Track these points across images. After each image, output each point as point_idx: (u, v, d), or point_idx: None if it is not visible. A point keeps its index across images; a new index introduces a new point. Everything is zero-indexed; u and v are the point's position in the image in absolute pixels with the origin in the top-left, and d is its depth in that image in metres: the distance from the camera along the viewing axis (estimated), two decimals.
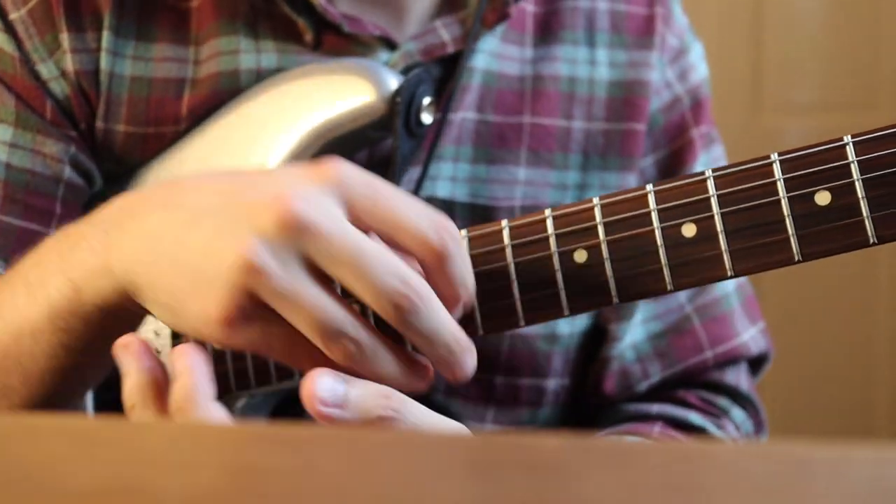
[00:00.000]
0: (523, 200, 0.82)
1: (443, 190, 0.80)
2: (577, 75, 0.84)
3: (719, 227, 0.54)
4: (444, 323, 0.52)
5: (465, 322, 0.64)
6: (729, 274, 0.54)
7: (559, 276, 0.59)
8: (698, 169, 0.86)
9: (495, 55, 0.82)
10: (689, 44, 0.90)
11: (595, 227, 0.58)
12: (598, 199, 0.58)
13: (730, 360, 0.84)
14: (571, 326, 0.84)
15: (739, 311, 0.86)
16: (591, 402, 0.86)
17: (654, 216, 0.56)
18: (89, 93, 0.79)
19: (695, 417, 0.83)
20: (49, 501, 0.29)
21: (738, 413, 0.85)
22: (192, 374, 0.52)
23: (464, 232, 0.65)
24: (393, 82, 0.75)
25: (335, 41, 0.79)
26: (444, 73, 0.81)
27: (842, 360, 2.15)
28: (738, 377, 0.86)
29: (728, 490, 0.29)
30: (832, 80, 2.13)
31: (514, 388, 0.83)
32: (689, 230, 0.55)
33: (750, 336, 0.86)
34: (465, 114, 0.81)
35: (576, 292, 0.59)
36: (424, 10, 0.83)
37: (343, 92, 0.75)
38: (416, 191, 0.79)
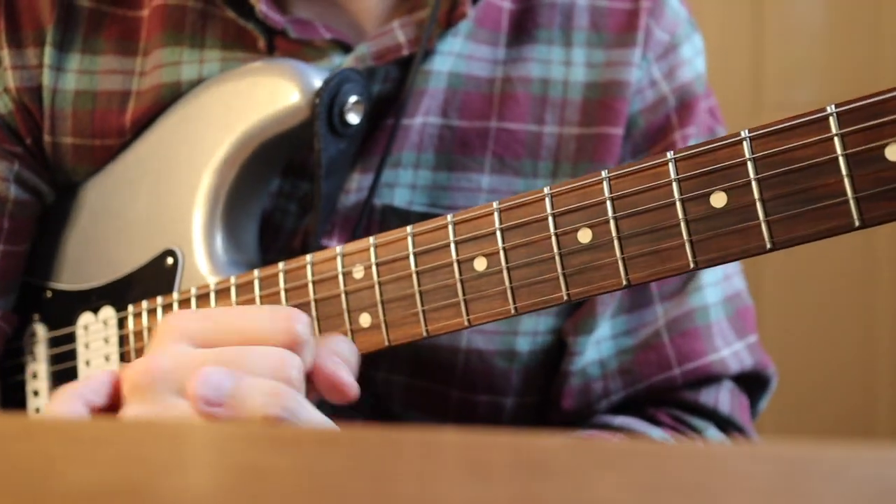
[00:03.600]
0: None
1: (400, 198, 0.77)
2: (550, 77, 0.79)
3: (613, 232, 0.51)
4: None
5: (373, 334, 0.61)
6: (623, 283, 0.50)
7: (459, 285, 0.56)
8: None
9: (463, 56, 0.78)
10: (683, 38, 0.83)
11: (494, 233, 0.55)
12: (497, 203, 0.55)
13: (702, 378, 0.79)
14: (532, 344, 0.79)
15: (723, 325, 0.80)
16: (552, 419, 0.81)
17: (550, 221, 0.52)
18: (32, 109, 0.78)
19: (657, 433, 0.77)
20: (49, 502, 0.29)
21: (714, 434, 0.78)
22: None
23: (371, 239, 0.62)
24: (317, 82, 0.72)
25: (288, 46, 0.76)
26: (403, 73, 0.77)
27: (842, 361, 2.10)
28: (717, 397, 0.79)
29: (728, 490, 0.29)
30: (832, 80, 2.09)
31: (471, 404, 0.79)
32: (584, 236, 0.51)
33: (731, 352, 0.79)
34: (427, 118, 0.77)
35: (476, 302, 0.56)
36: (381, 12, 0.79)
37: (268, 94, 0.73)
38: (368, 198, 0.76)
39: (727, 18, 2.14)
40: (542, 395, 0.82)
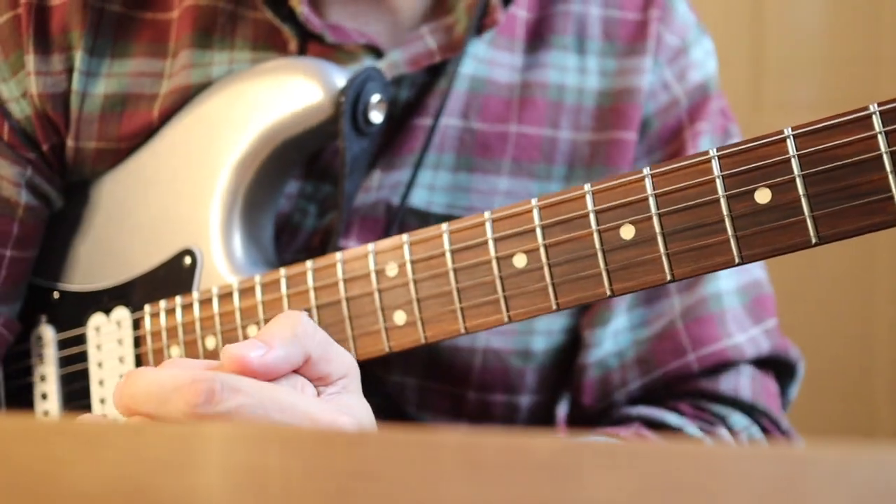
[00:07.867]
0: None
1: (419, 198, 0.77)
2: (565, 83, 0.80)
3: (657, 228, 0.51)
4: None
5: (408, 332, 0.61)
6: (668, 278, 0.51)
7: (499, 282, 0.56)
8: None
9: (485, 61, 0.79)
10: (693, 41, 0.85)
11: (533, 230, 0.55)
12: (536, 200, 0.56)
13: (718, 364, 0.78)
14: (547, 343, 0.80)
15: (738, 312, 0.80)
16: (574, 417, 0.82)
17: (592, 218, 0.53)
18: (53, 116, 0.76)
19: (673, 419, 0.77)
20: (53, 503, 0.29)
21: (738, 419, 0.78)
22: None
23: (405, 236, 0.62)
24: (340, 81, 0.72)
25: (320, 50, 0.76)
26: (430, 76, 0.78)
27: (842, 360, 2.11)
28: (737, 384, 0.79)
29: (728, 490, 0.29)
30: (832, 80, 2.09)
31: (487, 405, 0.80)
32: (627, 232, 0.52)
33: (747, 337, 0.79)
34: (448, 120, 0.78)
35: (516, 298, 0.56)
36: (413, 16, 0.80)
37: (290, 93, 0.73)
38: (403, 201, 0.76)
39: (727, 18, 2.15)
40: (555, 393, 0.83)
